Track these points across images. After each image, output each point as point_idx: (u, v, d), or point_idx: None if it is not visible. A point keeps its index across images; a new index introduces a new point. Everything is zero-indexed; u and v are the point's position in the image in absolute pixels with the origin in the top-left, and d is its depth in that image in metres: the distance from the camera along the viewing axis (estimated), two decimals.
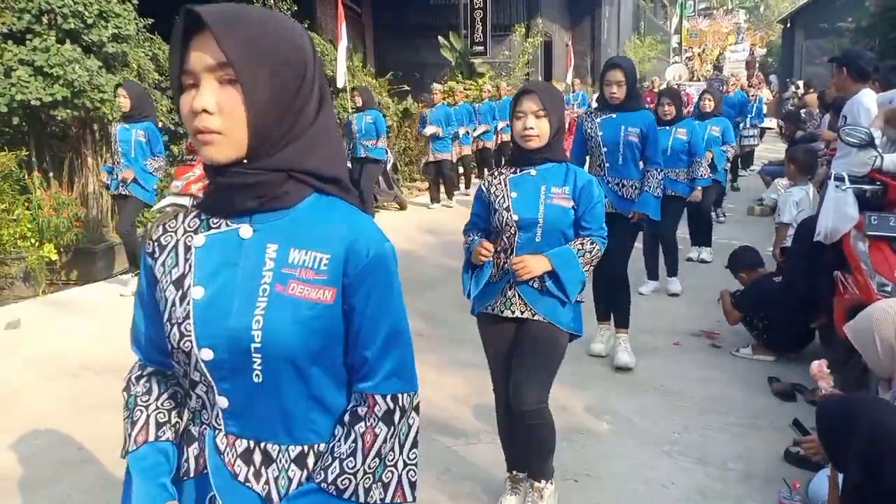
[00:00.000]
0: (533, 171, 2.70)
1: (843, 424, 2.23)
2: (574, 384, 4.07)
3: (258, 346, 1.14)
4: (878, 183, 3.58)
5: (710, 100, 7.02)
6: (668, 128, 5.86)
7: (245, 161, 1.13)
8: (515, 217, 2.68)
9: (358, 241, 1.17)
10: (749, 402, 3.98)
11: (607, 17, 24.24)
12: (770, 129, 14.26)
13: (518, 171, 2.74)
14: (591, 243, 2.68)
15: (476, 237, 2.81)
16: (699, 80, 28.41)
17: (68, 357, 4.68)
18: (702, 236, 7.06)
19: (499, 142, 11.81)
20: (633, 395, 4.04)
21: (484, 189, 2.81)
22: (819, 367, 2.67)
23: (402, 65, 14.18)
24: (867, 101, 4.37)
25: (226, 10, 1.09)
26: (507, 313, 2.75)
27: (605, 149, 4.35)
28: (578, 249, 2.65)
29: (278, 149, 1.13)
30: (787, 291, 4.40)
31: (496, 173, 2.82)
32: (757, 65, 18.41)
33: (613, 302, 4.53)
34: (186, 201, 6.87)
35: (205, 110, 1.09)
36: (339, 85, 10.83)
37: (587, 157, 4.57)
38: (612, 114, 4.34)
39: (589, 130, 4.40)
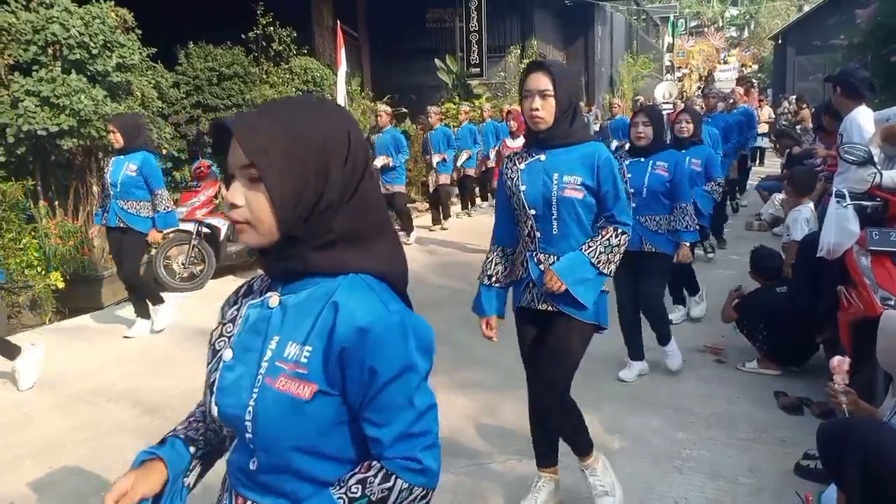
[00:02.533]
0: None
1: (841, 448, 2.28)
2: (585, 405, 4.07)
3: None
4: (878, 199, 3.66)
5: (688, 121, 5.48)
6: (642, 160, 4.49)
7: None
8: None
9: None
10: (756, 417, 4.02)
11: (600, 37, 24.51)
12: (765, 148, 14.06)
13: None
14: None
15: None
16: (688, 99, 28.43)
17: (80, 384, 4.71)
18: (678, 292, 5.73)
19: (483, 168, 11.38)
20: (642, 414, 4.07)
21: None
22: (840, 361, 2.64)
23: (399, 88, 14.33)
24: (862, 119, 4.45)
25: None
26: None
27: (531, 211, 2.83)
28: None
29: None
30: (791, 306, 4.45)
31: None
32: (756, 82, 18.48)
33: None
34: (191, 227, 6.94)
35: None
36: None
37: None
38: (539, 154, 2.82)
39: (508, 182, 2.91)
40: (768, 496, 3.18)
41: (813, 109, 11.42)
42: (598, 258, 2.78)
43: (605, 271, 2.81)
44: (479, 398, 4.30)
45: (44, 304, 6.30)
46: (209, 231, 6.93)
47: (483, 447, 3.74)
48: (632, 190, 4.52)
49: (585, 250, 2.78)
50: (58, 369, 4.97)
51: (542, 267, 2.83)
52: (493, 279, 2.96)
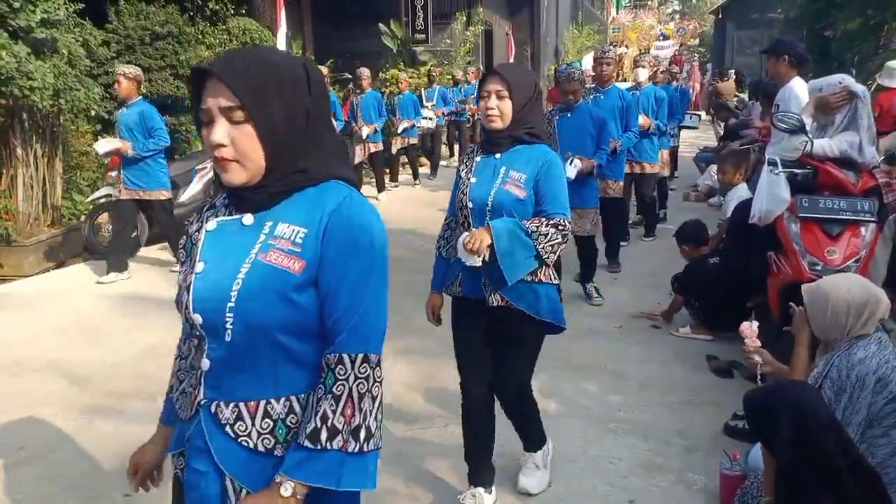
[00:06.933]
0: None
1: (768, 410, 2.37)
2: None
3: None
4: (809, 167, 3.74)
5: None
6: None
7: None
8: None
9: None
10: (689, 380, 4.12)
11: (546, 7, 24.46)
12: (691, 128, 12.94)
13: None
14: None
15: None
16: (624, 80, 28.20)
17: (4, 355, 4.51)
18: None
19: (401, 145, 10.85)
20: (578, 377, 4.13)
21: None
22: (748, 325, 2.84)
23: (342, 53, 14.02)
24: (798, 89, 4.54)
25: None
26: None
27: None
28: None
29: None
30: (724, 272, 4.56)
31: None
32: (695, 58, 18.53)
33: None
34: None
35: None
36: None
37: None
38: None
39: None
40: (699, 455, 3.26)
41: (745, 81, 11.61)
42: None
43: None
44: (420, 365, 4.29)
45: None
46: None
47: (424, 412, 3.74)
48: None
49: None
50: None
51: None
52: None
